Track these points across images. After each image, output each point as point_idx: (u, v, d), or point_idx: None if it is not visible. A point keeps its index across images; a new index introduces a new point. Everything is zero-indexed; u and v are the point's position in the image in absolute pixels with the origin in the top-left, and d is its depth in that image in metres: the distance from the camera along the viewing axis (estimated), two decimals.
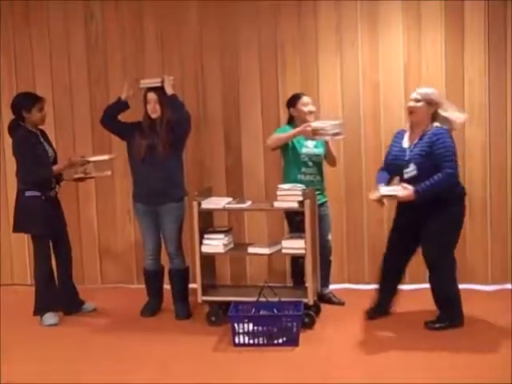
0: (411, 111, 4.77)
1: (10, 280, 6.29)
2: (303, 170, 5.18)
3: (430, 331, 4.73)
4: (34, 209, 5.08)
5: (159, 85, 5.10)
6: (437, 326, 4.76)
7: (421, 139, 4.70)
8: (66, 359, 4.51)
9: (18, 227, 5.19)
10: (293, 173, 5.20)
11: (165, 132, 5.09)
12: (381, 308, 5.06)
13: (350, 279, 5.90)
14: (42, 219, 5.09)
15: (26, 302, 5.31)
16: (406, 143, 4.80)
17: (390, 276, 5.00)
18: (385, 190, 4.71)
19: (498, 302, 5.30)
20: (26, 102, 5.11)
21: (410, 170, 4.69)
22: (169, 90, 5.09)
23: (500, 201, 5.68)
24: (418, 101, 4.73)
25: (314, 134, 4.93)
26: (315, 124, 4.97)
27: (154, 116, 5.13)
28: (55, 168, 5.17)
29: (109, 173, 5.36)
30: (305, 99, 5.22)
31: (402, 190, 4.63)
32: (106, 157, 5.31)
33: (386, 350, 4.45)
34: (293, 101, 5.23)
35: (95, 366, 4.39)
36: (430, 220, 4.69)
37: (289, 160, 5.24)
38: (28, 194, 5.09)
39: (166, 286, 5.39)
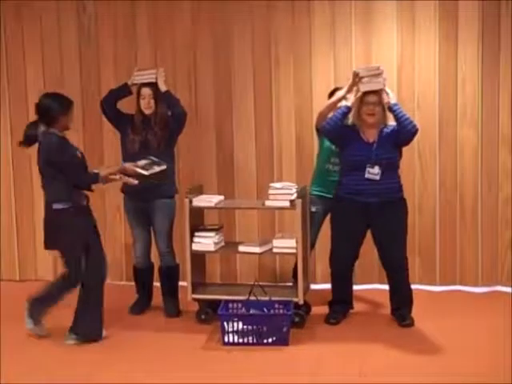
0: None
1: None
2: (332, 159, 5.12)
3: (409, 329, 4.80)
4: None
5: (154, 81, 5.04)
6: (409, 322, 4.84)
7: None
8: (53, 359, 4.46)
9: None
10: (322, 161, 5.19)
11: (159, 128, 5.04)
12: (343, 307, 5.04)
13: None
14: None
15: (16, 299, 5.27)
16: None
17: (347, 275, 5.00)
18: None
19: (489, 303, 5.31)
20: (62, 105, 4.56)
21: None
22: (162, 87, 5.04)
23: (491, 202, 5.66)
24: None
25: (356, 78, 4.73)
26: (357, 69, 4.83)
27: (147, 112, 5.06)
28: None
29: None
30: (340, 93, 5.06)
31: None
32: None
33: (376, 350, 4.45)
34: (332, 94, 5.14)
35: (83, 364, 4.34)
36: (388, 220, 4.78)
37: (321, 149, 5.22)
38: None
39: (156, 284, 5.36)
